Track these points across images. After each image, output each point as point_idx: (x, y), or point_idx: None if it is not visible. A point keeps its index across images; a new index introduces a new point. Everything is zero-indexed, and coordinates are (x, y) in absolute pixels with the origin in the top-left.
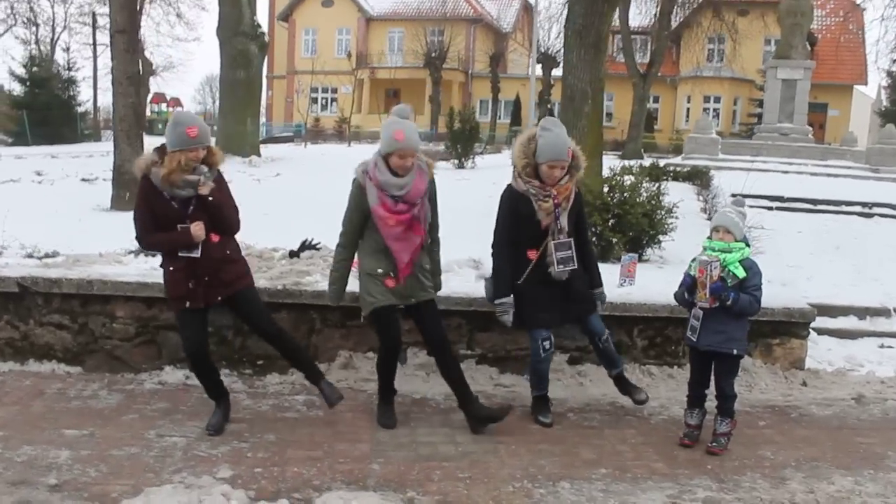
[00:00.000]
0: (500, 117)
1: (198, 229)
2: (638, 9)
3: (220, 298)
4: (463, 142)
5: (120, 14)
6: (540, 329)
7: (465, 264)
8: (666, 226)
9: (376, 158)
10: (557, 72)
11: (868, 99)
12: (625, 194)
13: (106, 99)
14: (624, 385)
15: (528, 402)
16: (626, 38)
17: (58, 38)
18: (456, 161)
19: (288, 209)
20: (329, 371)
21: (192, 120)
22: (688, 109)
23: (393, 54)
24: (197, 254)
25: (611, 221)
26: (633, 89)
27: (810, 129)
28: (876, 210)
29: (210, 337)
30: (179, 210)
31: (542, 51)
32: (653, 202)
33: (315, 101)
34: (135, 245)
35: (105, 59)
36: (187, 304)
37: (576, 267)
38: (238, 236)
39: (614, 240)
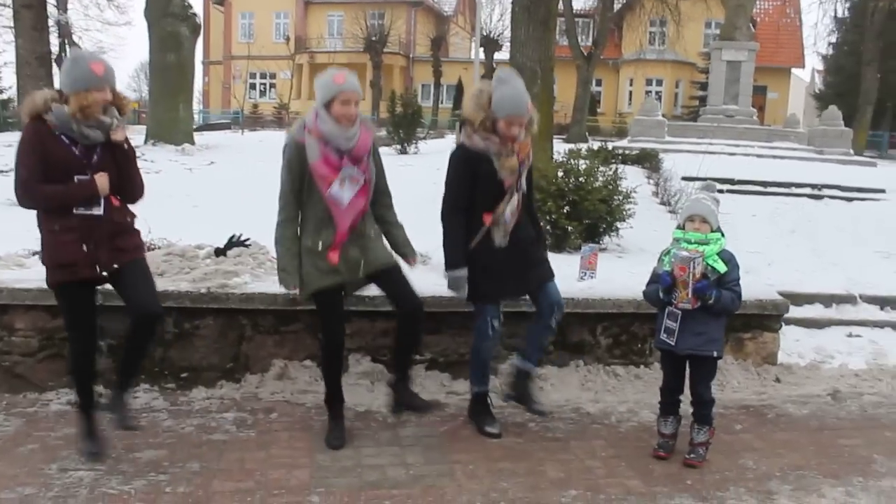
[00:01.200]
0: (442, 102)
1: (103, 180)
2: None
3: (115, 266)
4: (405, 127)
5: None
6: (491, 304)
7: None
8: (624, 212)
9: (316, 110)
10: (500, 55)
11: (802, 82)
12: (580, 179)
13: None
14: (525, 387)
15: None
16: (569, 20)
17: None
18: (398, 147)
19: (221, 200)
20: (263, 382)
21: (94, 56)
22: (630, 92)
23: (332, 38)
24: (99, 210)
25: (566, 208)
26: (577, 72)
27: (755, 111)
28: (825, 192)
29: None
30: (81, 158)
31: (485, 34)
32: (609, 187)
33: (253, 87)
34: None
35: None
36: (76, 273)
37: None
38: (162, 232)
39: (570, 228)
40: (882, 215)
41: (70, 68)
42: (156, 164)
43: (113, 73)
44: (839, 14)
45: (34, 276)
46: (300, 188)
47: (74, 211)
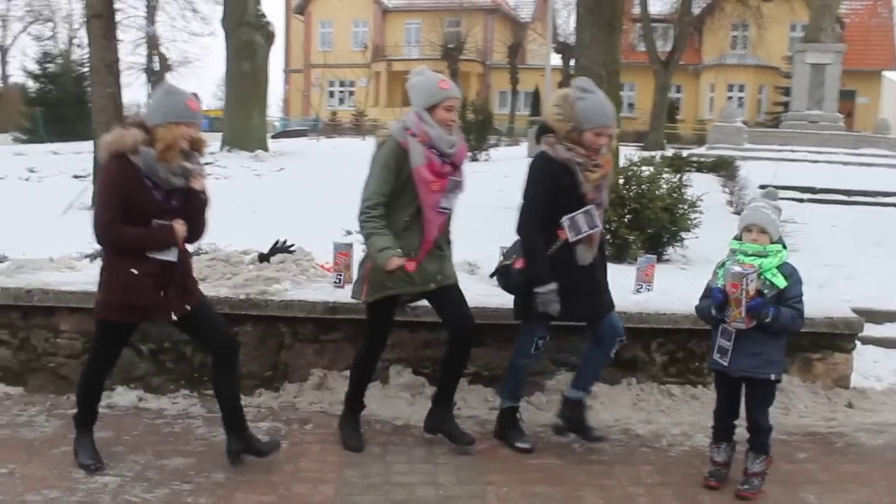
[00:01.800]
0: (518, 109)
1: (181, 227)
2: None
3: (188, 308)
4: (476, 133)
5: None
6: (544, 324)
7: (459, 268)
8: (689, 222)
9: (418, 113)
10: None
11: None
12: (643, 187)
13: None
14: (580, 416)
15: (530, 429)
16: (646, 25)
17: (75, 35)
18: (469, 154)
19: (281, 206)
20: (301, 392)
21: (187, 92)
22: (711, 98)
23: (410, 46)
24: (174, 257)
25: (627, 217)
26: (655, 78)
27: (841, 116)
28: None
29: (166, 354)
30: (161, 202)
31: (562, 40)
32: (674, 195)
33: (332, 94)
34: (92, 248)
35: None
36: (149, 316)
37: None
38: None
39: (631, 238)
40: None
41: (164, 99)
42: (227, 170)
43: (201, 114)
44: None
45: (82, 278)
46: (393, 189)
47: (151, 256)
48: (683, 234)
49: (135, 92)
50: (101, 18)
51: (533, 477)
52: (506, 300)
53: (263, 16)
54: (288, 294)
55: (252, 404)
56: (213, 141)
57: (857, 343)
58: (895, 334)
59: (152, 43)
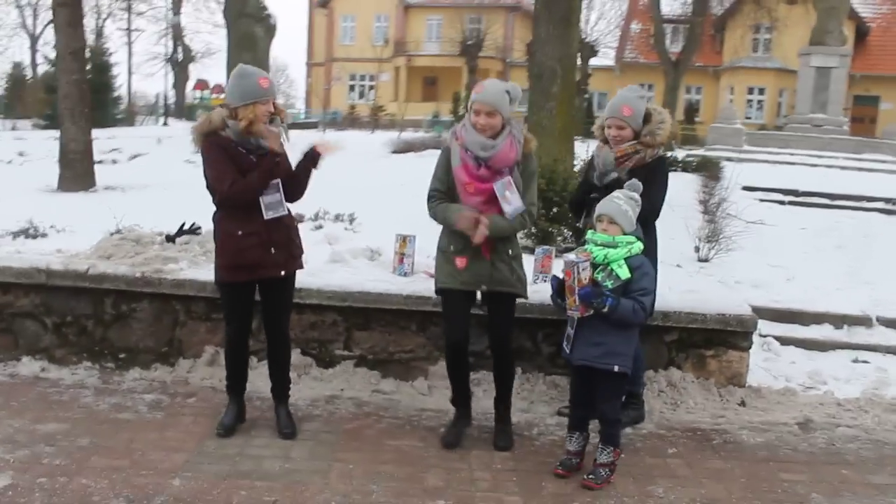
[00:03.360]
0: None
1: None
2: None
3: (293, 271)
4: None
5: None
6: None
7: (360, 254)
8: None
9: (466, 117)
10: (597, 60)
11: None
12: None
13: (141, 85)
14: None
15: (406, 413)
16: (657, 25)
17: (102, 25)
18: None
19: None
20: (195, 367)
21: (260, 71)
22: (731, 101)
23: (431, 42)
24: (285, 210)
25: (554, 210)
26: (664, 78)
27: (846, 120)
28: None
29: (68, 327)
30: (254, 164)
31: (581, 39)
32: None
33: (352, 88)
34: (18, 226)
35: (142, 45)
36: (258, 274)
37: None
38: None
39: (552, 230)
40: None
41: (239, 83)
42: None
43: (275, 87)
44: None
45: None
46: (451, 186)
47: (265, 213)
48: None
49: (158, 82)
50: (67, 7)
51: (384, 457)
52: (392, 286)
53: (265, 8)
54: (182, 273)
55: (146, 378)
56: None
57: (776, 343)
58: (818, 336)
59: (176, 34)
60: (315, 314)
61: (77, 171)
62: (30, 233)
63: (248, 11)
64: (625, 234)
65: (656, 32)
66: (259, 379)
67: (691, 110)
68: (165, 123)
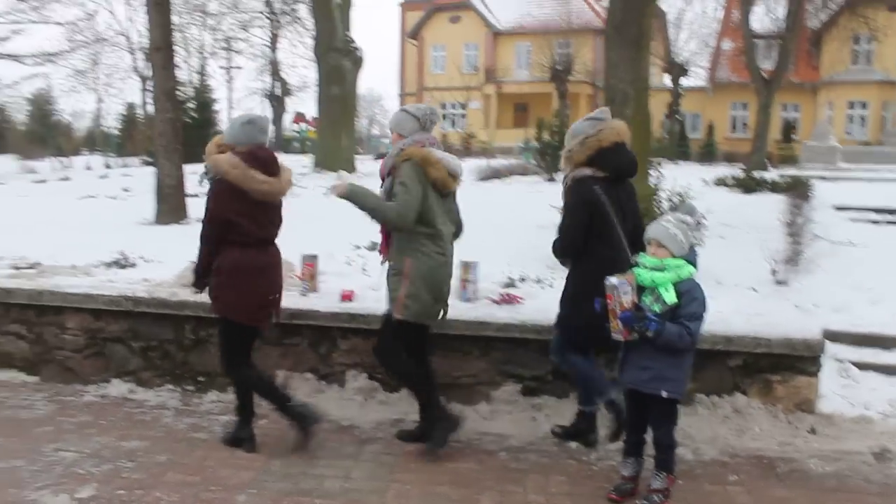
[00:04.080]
0: None
1: None
2: (767, 11)
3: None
4: (552, 153)
5: (157, 32)
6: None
7: None
8: None
9: None
10: (687, 81)
11: None
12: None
13: None
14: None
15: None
16: (748, 41)
17: (205, 64)
18: (546, 175)
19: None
20: None
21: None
22: (830, 117)
23: (520, 68)
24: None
25: None
26: (756, 96)
27: None
28: None
29: (153, 351)
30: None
31: (672, 59)
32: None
33: (444, 117)
34: (111, 257)
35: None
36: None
37: None
38: None
39: None
40: None
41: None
42: (304, 189)
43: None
44: None
45: (88, 283)
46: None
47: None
48: None
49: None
50: (161, 51)
51: (441, 479)
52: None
53: (352, 41)
54: None
55: (223, 400)
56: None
57: (855, 369)
58: None
59: (274, 69)
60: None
61: (171, 205)
62: (121, 263)
63: (336, 46)
64: (674, 257)
65: (747, 49)
66: (328, 402)
67: (788, 129)
68: None
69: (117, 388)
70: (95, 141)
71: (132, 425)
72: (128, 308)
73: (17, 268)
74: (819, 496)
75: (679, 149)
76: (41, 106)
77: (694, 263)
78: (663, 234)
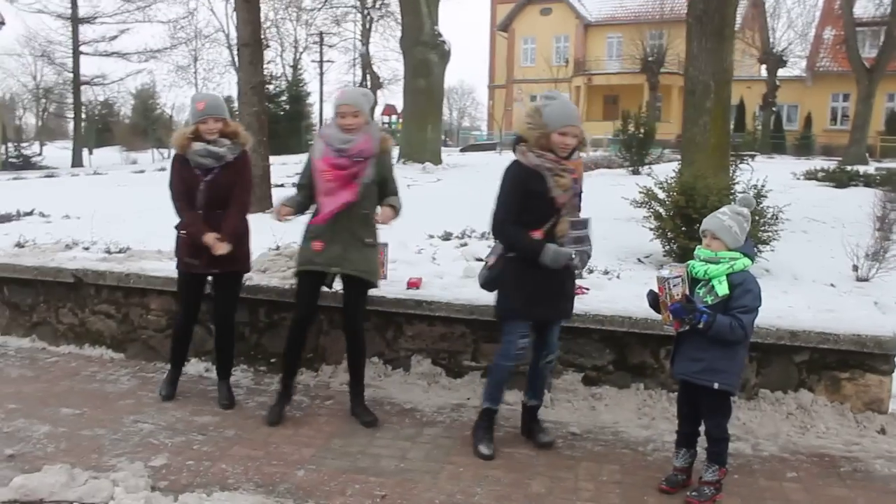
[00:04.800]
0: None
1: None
2: None
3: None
4: (636, 146)
5: (244, 29)
6: (520, 322)
7: None
8: (763, 234)
9: (331, 120)
10: (785, 71)
11: None
12: (710, 198)
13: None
14: (533, 421)
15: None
16: (848, 29)
17: (299, 58)
18: (630, 168)
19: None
20: (336, 373)
21: (202, 96)
22: None
23: (611, 60)
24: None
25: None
26: (857, 86)
27: None
28: None
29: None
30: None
31: (769, 49)
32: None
33: None
34: None
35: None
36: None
37: (591, 250)
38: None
39: (692, 246)
40: None
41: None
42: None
43: (216, 107)
44: None
45: (169, 267)
46: (308, 181)
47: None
48: (760, 248)
49: None
50: (249, 46)
51: (494, 463)
52: None
53: (439, 35)
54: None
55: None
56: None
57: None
58: None
59: (365, 63)
60: (445, 326)
61: (257, 195)
62: None
63: (423, 40)
64: (729, 249)
65: (848, 37)
66: (393, 386)
67: (893, 120)
68: None
69: (194, 366)
70: None
71: (206, 401)
72: (206, 292)
73: (109, 252)
74: (880, 497)
75: (774, 142)
76: (145, 100)
77: (751, 256)
78: (717, 225)
